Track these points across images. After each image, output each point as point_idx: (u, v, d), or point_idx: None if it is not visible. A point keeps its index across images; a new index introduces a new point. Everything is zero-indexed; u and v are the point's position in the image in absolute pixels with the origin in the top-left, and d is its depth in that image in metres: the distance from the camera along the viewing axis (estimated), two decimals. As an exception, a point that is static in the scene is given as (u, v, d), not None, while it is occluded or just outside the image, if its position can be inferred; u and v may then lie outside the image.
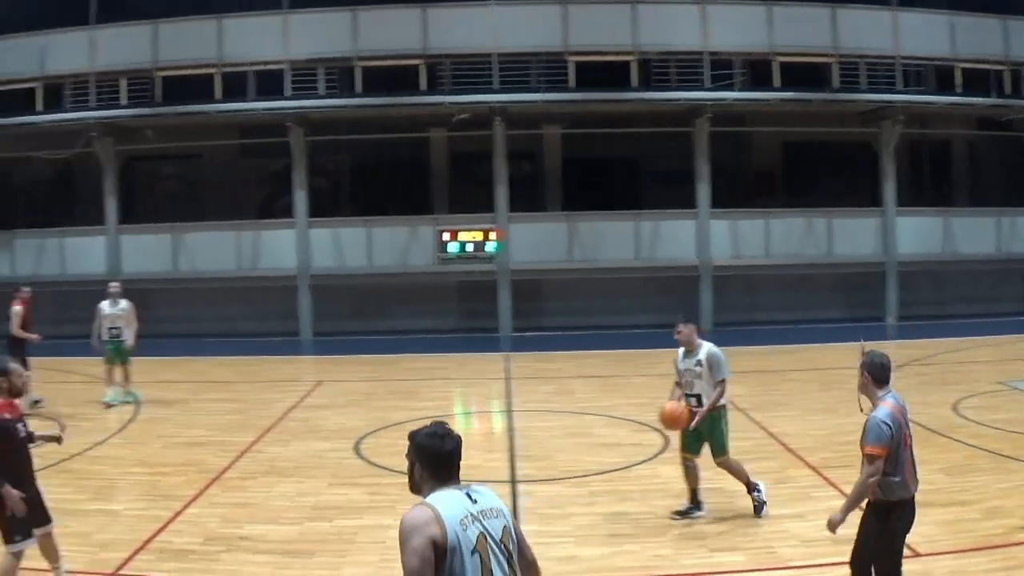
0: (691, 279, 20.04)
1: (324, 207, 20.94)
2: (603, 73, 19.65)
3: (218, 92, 19.71)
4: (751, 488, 7.82)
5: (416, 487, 3.50)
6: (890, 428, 5.23)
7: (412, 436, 3.49)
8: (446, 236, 19.80)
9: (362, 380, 15.85)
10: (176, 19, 20.06)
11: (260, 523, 8.31)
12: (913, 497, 5.32)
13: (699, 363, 7.77)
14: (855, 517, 5.47)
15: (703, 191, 20.09)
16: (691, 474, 7.83)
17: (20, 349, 13.15)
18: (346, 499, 9.12)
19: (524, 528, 6.90)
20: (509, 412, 12.73)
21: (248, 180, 22.54)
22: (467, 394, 15.00)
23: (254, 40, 19.86)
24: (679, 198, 20.16)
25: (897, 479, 5.22)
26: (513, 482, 9.08)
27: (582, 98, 19.58)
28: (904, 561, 5.49)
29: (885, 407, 5.32)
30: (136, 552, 7.73)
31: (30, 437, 6.78)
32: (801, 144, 21.58)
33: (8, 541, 6.31)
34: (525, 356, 17.58)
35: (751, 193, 21.54)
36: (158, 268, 20.41)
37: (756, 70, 20.17)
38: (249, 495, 9.23)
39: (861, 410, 5.56)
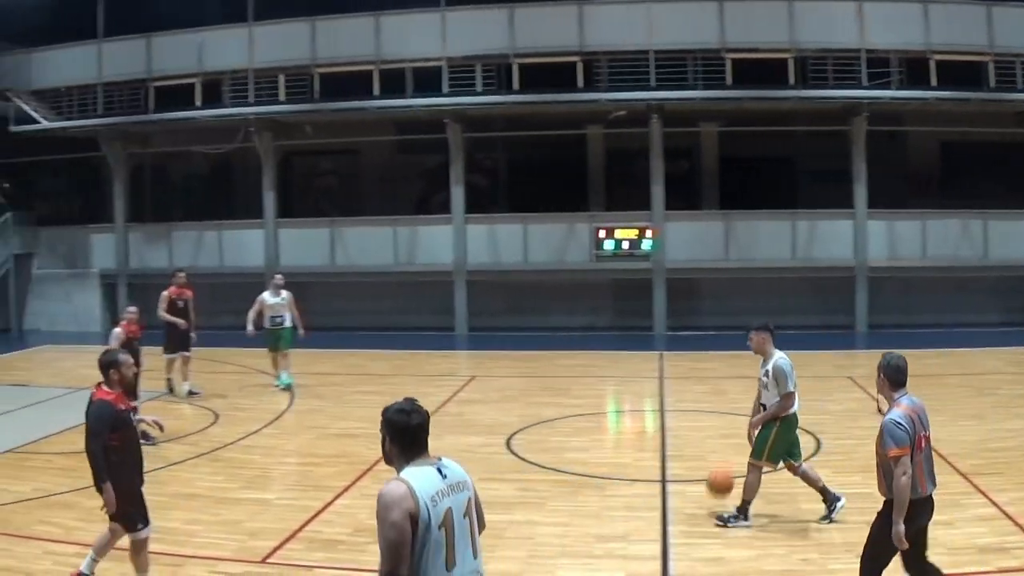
0: (846, 280, 19.72)
1: (480, 203, 21.14)
2: (760, 71, 19.34)
3: (376, 89, 19.90)
4: (742, 508, 7.74)
5: (388, 459, 3.67)
6: (905, 428, 5.37)
7: (384, 412, 3.67)
8: (602, 233, 19.77)
9: (515, 376, 15.90)
10: (334, 16, 20.31)
11: None
12: (927, 497, 5.47)
13: (767, 373, 7.71)
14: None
15: (860, 191, 19.73)
16: (807, 479, 7.82)
17: (173, 335, 13.95)
18: (496, 494, 9.13)
19: (673, 529, 7.80)
20: (661, 411, 12.71)
21: (405, 176, 22.87)
22: (620, 392, 14.95)
23: (412, 37, 20.04)
24: (835, 198, 19.85)
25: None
26: (663, 482, 9.08)
27: (738, 96, 19.29)
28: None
29: (899, 409, 5.46)
30: (285, 541, 7.87)
31: (144, 434, 7.00)
32: (957, 144, 21.04)
33: (131, 529, 6.50)
34: (679, 355, 17.50)
35: (907, 193, 21.04)
36: (316, 262, 20.76)
37: (913, 69, 19.61)
38: None
39: (880, 412, 5.76)
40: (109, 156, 22.27)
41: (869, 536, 5.71)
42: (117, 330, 11.46)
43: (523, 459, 10.41)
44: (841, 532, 7.57)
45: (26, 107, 21.70)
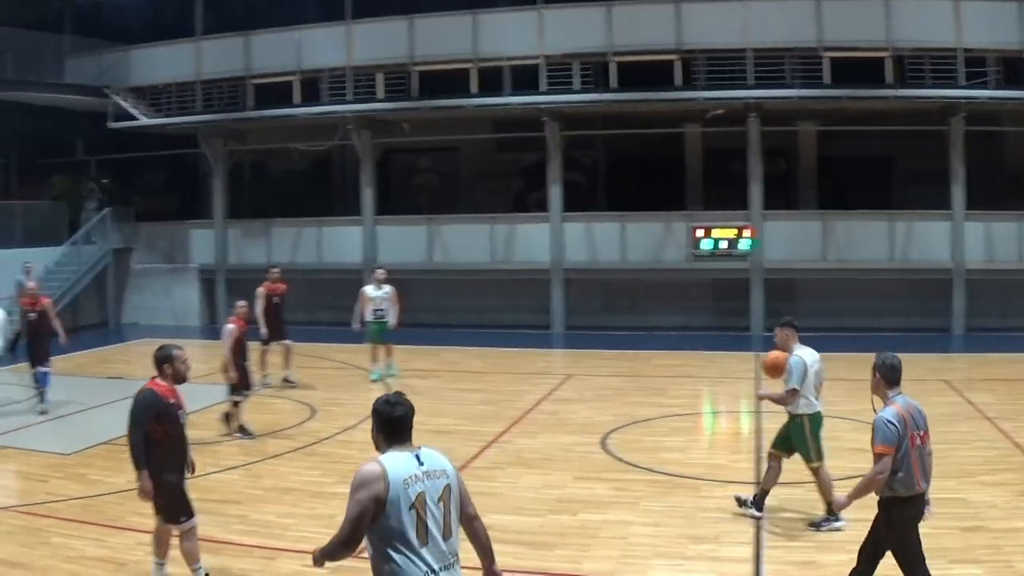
0: (943, 282, 20.54)
1: (578, 201, 22.24)
2: (857, 70, 20.09)
3: (474, 87, 21.12)
4: (830, 512, 8.03)
5: (376, 445, 4.27)
6: (896, 427, 5.70)
7: (374, 403, 4.30)
8: (699, 233, 20.78)
9: (611, 375, 16.54)
10: (432, 14, 21.42)
11: (504, 513, 8.76)
12: (921, 494, 5.78)
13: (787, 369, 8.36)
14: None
15: (958, 192, 20.76)
16: (770, 474, 8.30)
17: (270, 327, 14.92)
18: (591, 493, 9.50)
19: (765, 532, 8.11)
20: (757, 413, 12.71)
21: (503, 174, 24.16)
22: (716, 393, 15.46)
23: (509, 35, 21.12)
24: (933, 198, 20.75)
25: (901, 475, 5.69)
26: (757, 484, 9.20)
27: (836, 95, 19.99)
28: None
29: (892, 407, 5.80)
30: None
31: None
32: (1055, 145, 21.17)
33: (174, 521, 6.81)
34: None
35: (1004, 195, 21.09)
36: (413, 259, 21.97)
37: (1010, 68, 20.08)
38: (494, 485, 9.76)
39: (874, 410, 5.96)
40: (208, 153, 23.98)
41: (877, 539, 6.03)
42: (230, 326, 12.02)
43: (618, 458, 10.83)
44: (934, 538, 7.67)
45: (125, 104, 23.26)
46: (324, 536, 7.64)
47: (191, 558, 6.83)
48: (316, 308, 22.18)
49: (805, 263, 20.46)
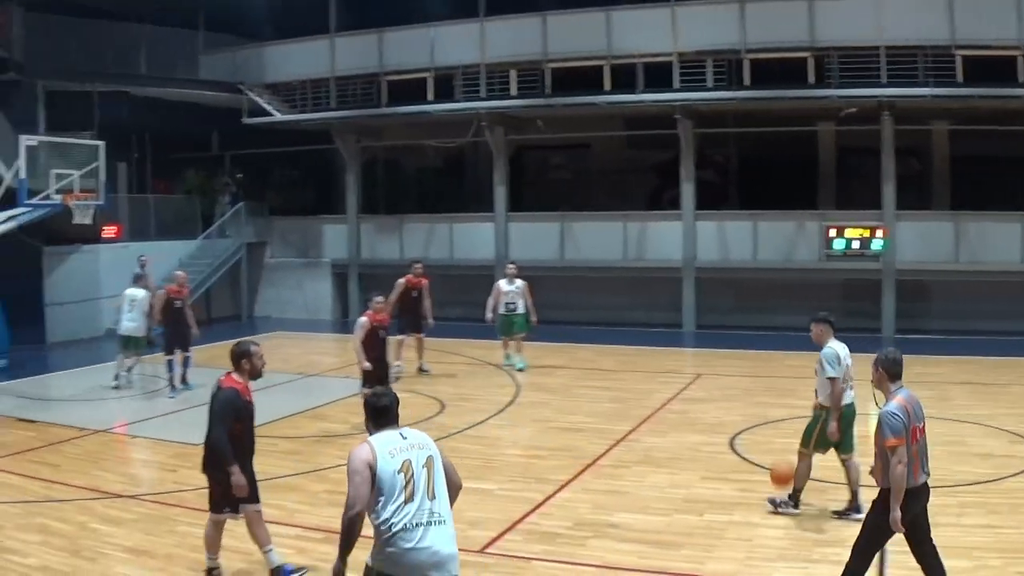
0: None
1: (710, 199, 25.40)
2: (990, 68, 22.03)
3: (607, 84, 24.28)
4: (794, 495, 9.57)
5: (368, 431, 5.80)
6: (901, 419, 6.71)
7: (364, 397, 6.15)
8: (832, 232, 23.48)
9: (741, 375, 18.36)
10: (565, 11, 24.71)
11: (629, 512, 9.89)
12: (922, 485, 6.84)
13: (819, 362, 9.47)
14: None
15: None
16: (849, 474, 9.43)
17: (404, 320, 17.65)
18: (717, 494, 10.50)
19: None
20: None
21: (635, 171, 27.50)
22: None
23: (642, 32, 23.95)
24: None
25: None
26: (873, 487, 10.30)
27: (969, 93, 21.44)
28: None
29: (895, 401, 6.82)
30: (505, 532, 9.39)
31: None
32: None
33: (215, 510, 8.01)
34: (906, 359, 20.10)
35: None
36: (545, 256, 25.52)
37: None
38: (621, 483, 11.02)
39: (877, 404, 6.92)
40: (342, 149, 28.13)
41: (864, 524, 7.13)
42: (363, 319, 13.71)
43: (746, 459, 11.96)
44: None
45: (259, 100, 27.45)
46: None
47: (264, 540, 8.06)
48: (447, 304, 25.41)
49: (937, 264, 22.31)
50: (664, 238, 24.58)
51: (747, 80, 22.65)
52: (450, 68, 25.45)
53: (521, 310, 18.40)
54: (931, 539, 7.09)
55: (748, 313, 24.52)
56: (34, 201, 21.33)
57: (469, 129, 25.70)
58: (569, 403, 15.85)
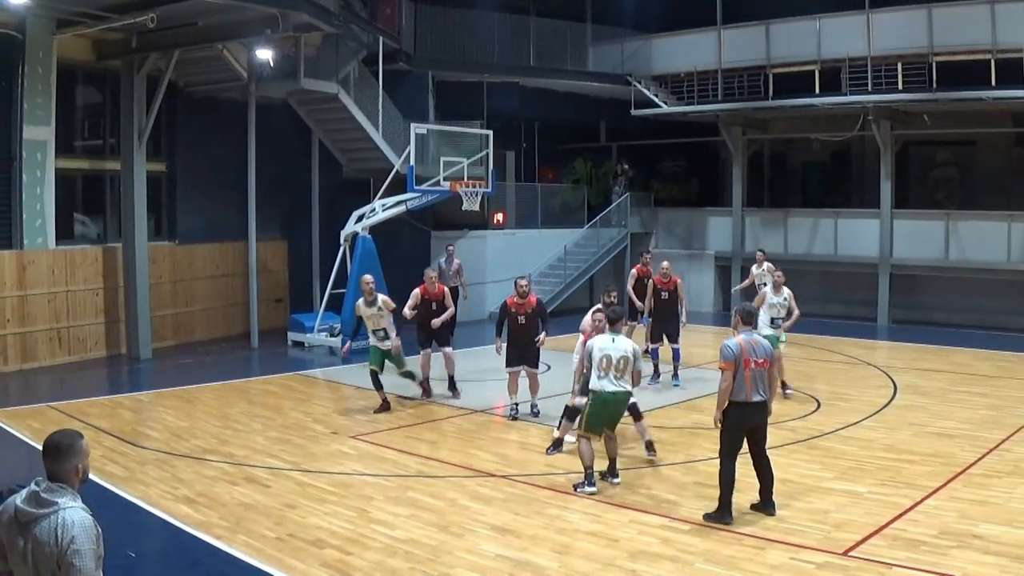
0: None
1: None
2: None
3: (992, 78, 31.52)
4: (612, 470, 15.25)
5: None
6: (732, 350, 12.70)
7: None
8: None
9: None
10: (951, 3, 33.27)
11: (996, 523, 12.49)
12: (753, 403, 12.80)
13: None
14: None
15: None
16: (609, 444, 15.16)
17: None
18: None
19: None
20: None
21: (1021, 170, 36.52)
22: None
23: None
24: None
25: (735, 387, 12.76)
26: None
27: None
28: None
29: (735, 337, 12.89)
30: (869, 536, 12.14)
31: None
32: None
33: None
34: None
35: None
36: (928, 255, 35.15)
37: None
38: (990, 493, 13.96)
39: None
40: (728, 141, 39.94)
41: (719, 434, 13.11)
42: (633, 271, 23.55)
43: None
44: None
45: (647, 91, 39.57)
46: (815, 531, 12.46)
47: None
48: (830, 301, 36.18)
49: None
50: (1047, 239, 33.35)
51: None
52: (836, 60, 34.53)
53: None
54: (765, 452, 13.13)
55: None
56: (423, 187, 28.72)
57: (856, 123, 35.47)
58: (945, 408, 20.17)
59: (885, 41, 34.32)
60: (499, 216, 38.54)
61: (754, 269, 28.67)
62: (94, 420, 19.57)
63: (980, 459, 16.02)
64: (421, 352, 22.00)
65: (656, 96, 39.45)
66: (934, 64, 33.13)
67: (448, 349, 22.07)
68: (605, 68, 40.79)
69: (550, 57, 40.22)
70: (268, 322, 31.98)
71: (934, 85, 33.12)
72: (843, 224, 37.70)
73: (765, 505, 13.33)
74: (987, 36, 31.73)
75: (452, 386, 22.00)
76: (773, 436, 16.08)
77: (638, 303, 24.36)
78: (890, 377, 23.92)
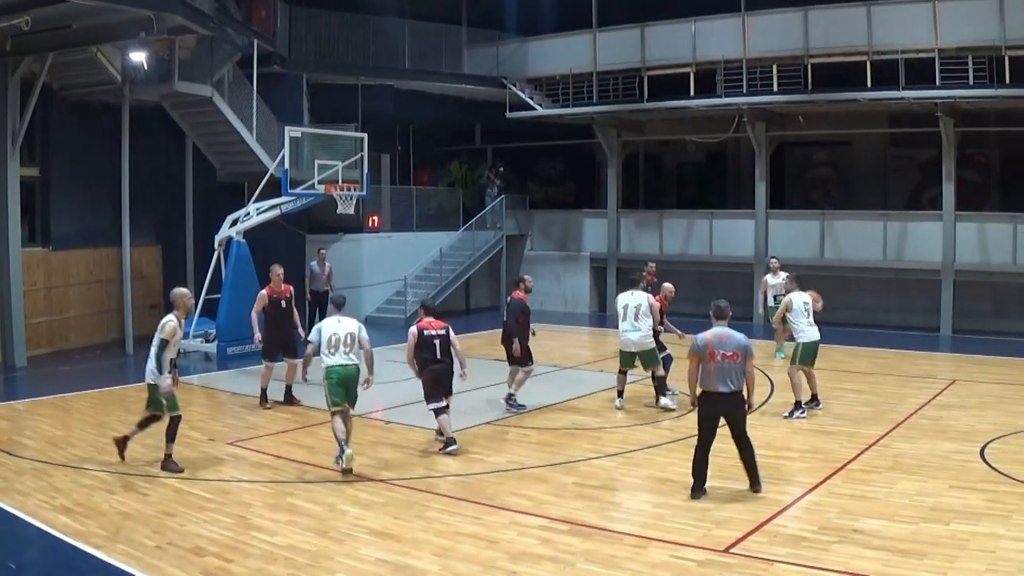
0: None
1: (970, 200, 34.53)
2: None
3: (868, 80, 32.60)
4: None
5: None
6: (698, 343, 14.30)
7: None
8: None
9: (997, 382, 23.51)
10: (825, 6, 34.06)
11: (876, 518, 12.98)
12: (718, 393, 14.16)
13: None
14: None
15: None
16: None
17: None
18: (963, 503, 13.48)
19: None
20: None
21: (896, 170, 37.76)
22: None
23: (903, 27, 31.84)
24: None
25: (703, 378, 14.26)
26: None
27: None
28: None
29: (705, 333, 14.40)
30: (749, 533, 12.59)
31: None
32: None
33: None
34: None
35: None
36: (804, 254, 35.78)
37: None
38: (870, 489, 14.49)
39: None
40: (603, 143, 40.49)
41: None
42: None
43: (995, 469, 15.23)
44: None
45: (522, 94, 39.89)
46: (695, 530, 12.79)
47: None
48: (704, 302, 34.95)
49: None
50: (923, 239, 33.08)
51: (1008, 78, 29.65)
52: (711, 62, 35.38)
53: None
54: (745, 438, 14.36)
55: (1007, 319, 32.72)
56: (297, 191, 29.25)
57: (731, 124, 36.38)
58: (822, 405, 20.50)
59: (760, 43, 35.19)
60: (374, 219, 38.94)
61: (769, 279, 28.94)
62: (-31, 431, 19.22)
63: (859, 455, 16.57)
64: (265, 365, 22.21)
65: (531, 99, 40.05)
66: (809, 66, 34.02)
67: (296, 360, 21.97)
68: (480, 71, 41.42)
69: (425, 60, 41.09)
70: (143, 328, 30.72)
71: (809, 87, 34.03)
72: (718, 225, 38.57)
73: (752, 484, 14.48)
74: (863, 38, 32.82)
75: (289, 395, 22.12)
76: (650, 435, 18.30)
77: (676, 331, 22.74)
78: (767, 375, 24.34)
